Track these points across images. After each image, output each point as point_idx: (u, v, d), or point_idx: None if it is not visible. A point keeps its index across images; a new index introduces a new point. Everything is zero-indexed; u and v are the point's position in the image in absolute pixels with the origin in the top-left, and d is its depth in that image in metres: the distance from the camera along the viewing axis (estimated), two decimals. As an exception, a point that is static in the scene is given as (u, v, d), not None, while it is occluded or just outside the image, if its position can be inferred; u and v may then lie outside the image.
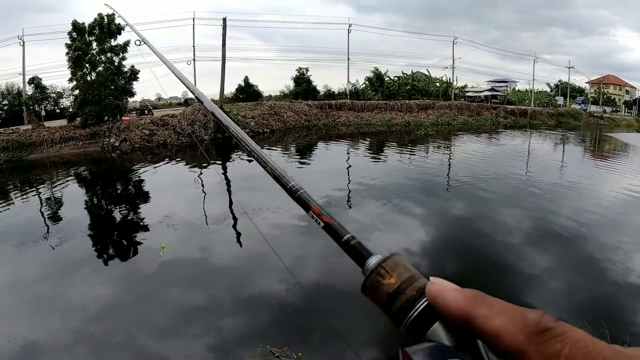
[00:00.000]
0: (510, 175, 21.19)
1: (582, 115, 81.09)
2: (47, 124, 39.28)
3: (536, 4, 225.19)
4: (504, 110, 65.66)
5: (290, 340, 7.34)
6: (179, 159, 28.18)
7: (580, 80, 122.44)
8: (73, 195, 19.59)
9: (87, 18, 36.55)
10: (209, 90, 57.68)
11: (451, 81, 74.73)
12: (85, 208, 17.49)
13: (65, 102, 46.16)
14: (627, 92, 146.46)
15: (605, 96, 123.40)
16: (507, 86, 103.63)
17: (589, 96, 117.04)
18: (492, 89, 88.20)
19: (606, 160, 29.89)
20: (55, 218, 16.05)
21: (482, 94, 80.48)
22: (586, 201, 16.91)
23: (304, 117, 48.00)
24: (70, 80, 37.01)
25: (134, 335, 7.71)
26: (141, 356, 7.18)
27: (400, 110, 56.95)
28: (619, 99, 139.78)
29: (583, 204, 16.38)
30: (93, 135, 34.58)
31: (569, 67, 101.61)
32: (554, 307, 8.52)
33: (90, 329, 7.83)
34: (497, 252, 11.35)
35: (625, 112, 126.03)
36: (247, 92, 57.66)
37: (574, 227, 13.36)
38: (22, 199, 19.72)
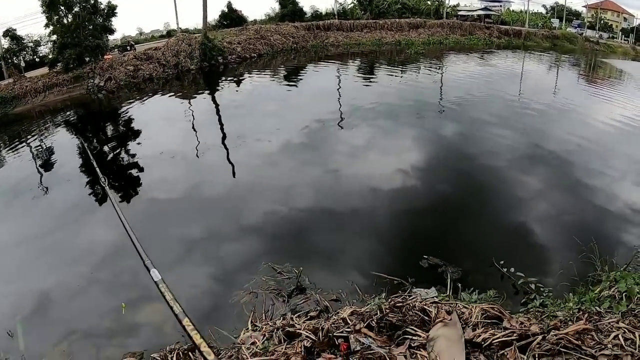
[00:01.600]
0: (502, 97, 21.01)
1: (578, 39, 79.46)
2: (28, 74, 38.27)
3: None
4: (497, 30, 64.26)
5: (291, 257, 7.72)
6: (166, 92, 27.50)
7: (577, 4, 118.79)
8: (64, 142, 19.11)
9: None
10: (193, 20, 56.05)
11: (443, -1, 73.05)
12: (78, 153, 17.01)
13: (44, 49, 44.72)
14: (625, 19, 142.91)
15: (602, 22, 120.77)
16: (501, 6, 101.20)
17: (585, 20, 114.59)
18: (485, 8, 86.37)
19: (599, 87, 28.91)
20: (51, 166, 15.78)
21: (475, 13, 79.03)
22: (577, 127, 16.64)
23: (291, 40, 46.78)
24: (47, 25, 35.56)
25: (140, 270, 7.54)
26: (148, 287, 6.98)
27: (391, 29, 55.80)
28: (617, 26, 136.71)
29: (573, 129, 16.14)
30: (77, 78, 33.62)
31: None
32: (543, 224, 8.84)
33: (97, 273, 8.11)
34: (487, 173, 11.49)
35: (622, 40, 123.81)
36: (231, 17, 56.01)
37: (564, 151, 13.29)
38: (14, 153, 19.00)
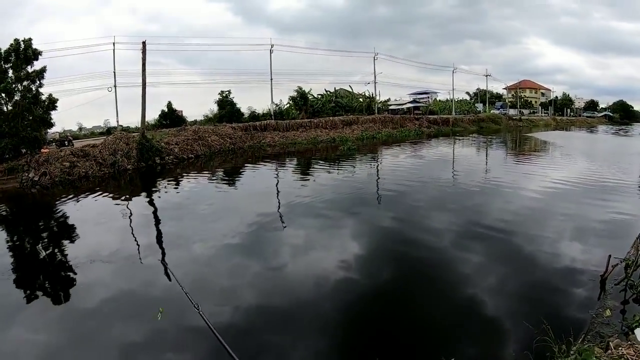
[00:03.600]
0: (436, 182, 22.60)
1: (502, 119, 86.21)
2: (-38, 159, 37.76)
3: (451, 19, 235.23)
4: (426, 121, 68.66)
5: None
6: (102, 191, 27.82)
7: (497, 87, 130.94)
8: None
9: (5, 45, 35.32)
10: (132, 118, 56.99)
11: (374, 96, 77.32)
12: (7, 249, 16.79)
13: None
14: (543, 94, 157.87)
15: (522, 100, 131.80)
16: (428, 97, 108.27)
17: (507, 101, 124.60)
18: (414, 101, 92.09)
19: (526, 160, 32.11)
20: None
21: (404, 107, 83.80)
22: (510, 200, 18.47)
23: (229, 141, 48.49)
24: (-16, 111, 35.54)
25: None
26: None
27: (325, 128, 58.54)
28: (536, 102, 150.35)
29: (507, 203, 17.91)
30: (11, 170, 33.51)
31: (487, 75, 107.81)
32: (491, 306, 9.11)
33: None
34: (431, 254, 12.13)
35: (542, 113, 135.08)
36: (171, 117, 57.41)
37: (501, 225, 14.55)
38: None
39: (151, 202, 23.80)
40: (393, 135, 58.47)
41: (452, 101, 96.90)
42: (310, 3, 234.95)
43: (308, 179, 27.14)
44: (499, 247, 12.58)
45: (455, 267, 11.11)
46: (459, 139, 51.82)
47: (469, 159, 33.60)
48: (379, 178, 25.53)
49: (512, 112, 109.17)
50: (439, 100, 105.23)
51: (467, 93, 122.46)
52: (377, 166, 31.30)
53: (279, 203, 20.31)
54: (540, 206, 17.29)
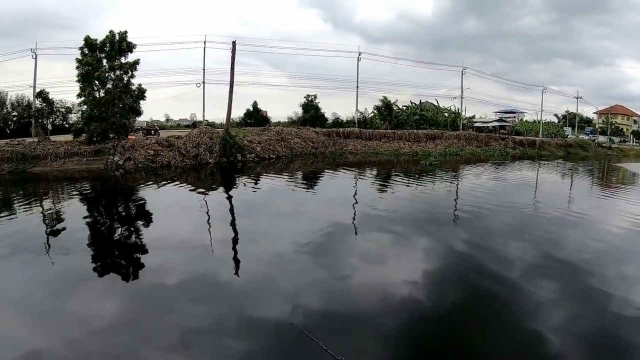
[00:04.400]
0: (516, 207, 20.78)
1: (591, 145, 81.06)
2: (53, 137, 39.42)
3: (542, 36, 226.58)
4: (512, 141, 65.50)
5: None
6: (182, 181, 27.83)
7: (587, 111, 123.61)
8: (74, 212, 19.14)
9: (102, 37, 36.54)
10: (218, 114, 57.82)
11: (460, 111, 75.09)
12: (87, 224, 17.06)
13: (74, 117, 46.18)
14: (635, 122, 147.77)
15: (613, 126, 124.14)
16: (515, 117, 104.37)
17: (597, 126, 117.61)
18: (500, 120, 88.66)
19: (614, 192, 29.43)
20: (57, 233, 15.75)
21: (490, 125, 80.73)
22: (593, 232, 16.54)
23: (310, 144, 47.74)
24: (79, 95, 36.99)
25: (137, 351, 7.68)
26: None
27: (408, 140, 56.83)
28: (627, 129, 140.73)
29: (590, 235, 16.03)
30: (97, 152, 34.55)
31: (577, 98, 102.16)
32: (558, 340, 8.23)
33: (93, 344, 7.76)
34: (501, 283, 11.00)
35: (633, 142, 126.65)
36: (255, 117, 57.98)
37: (579, 259, 12.99)
38: (25, 211, 19.19)
39: (228, 197, 23.40)
40: (477, 154, 55.83)
41: (539, 123, 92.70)
42: (399, 14, 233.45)
43: (386, 191, 25.81)
44: (573, 285, 11.09)
45: (523, 300, 10.01)
46: (545, 164, 48.77)
47: (553, 186, 31.14)
48: (457, 197, 23.87)
49: (601, 138, 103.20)
50: (526, 121, 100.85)
51: (555, 115, 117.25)
52: (458, 185, 29.50)
53: (354, 212, 19.25)
54: (623, 245, 15.18)
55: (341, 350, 7.37)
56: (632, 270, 12.44)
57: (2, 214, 18.42)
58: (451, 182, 30.67)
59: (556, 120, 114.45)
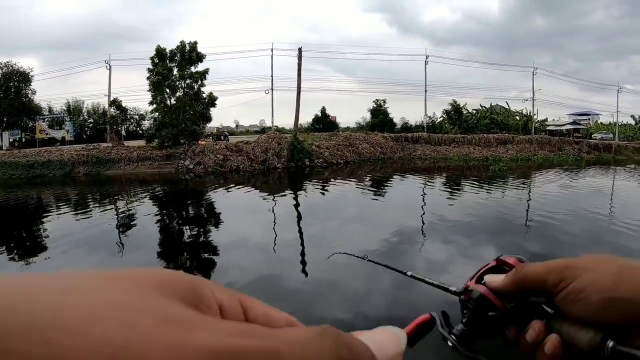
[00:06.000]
0: (591, 215, 19.43)
1: None
2: (127, 143, 40.61)
3: (614, 32, 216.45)
4: (586, 145, 62.34)
5: None
6: (250, 185, 27.83)
7: None
8: (146, 212, 19.48)
9: (172, 47, 37.52)
10: (287, 120, 58.21)
11: (531, 114, 71.97)
12: (158, 225, 17.48)
13: (147, 123, 47.59)
14: None
15: None
16: (589, 119, 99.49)
17: None
18: (574, 122, 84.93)
19: None
20: (129, 234, 16.14)
21: (563, 128, 77.46)
22: None
23: (379, 150, 46.92)
24: (151, 103, 38.09)
25: None
26: None
27: (479, 145, 54.88)
28: None
29: None
30: (169, 157, 35.25)
31: None
32: None
33: None
34: None
35: None
36: (324, 122, 57.93)
37: None
38: (100, 211, 19.85)
39: (296, 201, 23.08)
40: (549, 159, 53.01)
41: (615, 125, 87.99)
42: (465, 15, 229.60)
43: (456, 198, 24.86)
44: None
45: None
46: (622, 169, 46.13)
47: (631, 194, 29.28)
48: (529, 206, 22.72)
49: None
50: (601, 123, 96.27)
51: (632, 117, 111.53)
52: (529, 192, 28.16)
53: (423, 218, 18.55)
54: None
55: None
56: None
57: (78, 213, 18.87)
58: (523, 189, 29.36)
59: (633, 122, 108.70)
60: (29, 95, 46.30)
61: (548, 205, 21.08)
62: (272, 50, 56.57)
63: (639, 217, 19.06)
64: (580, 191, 27.38)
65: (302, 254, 13.19)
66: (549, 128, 78.05)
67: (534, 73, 69.84)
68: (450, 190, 27.70)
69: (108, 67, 51.52)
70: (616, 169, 45.08)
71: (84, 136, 48.27)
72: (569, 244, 14.62)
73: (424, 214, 19.18)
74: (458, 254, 13.18)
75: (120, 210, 20.06)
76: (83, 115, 52.56)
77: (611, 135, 69.43)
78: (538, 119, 75.50)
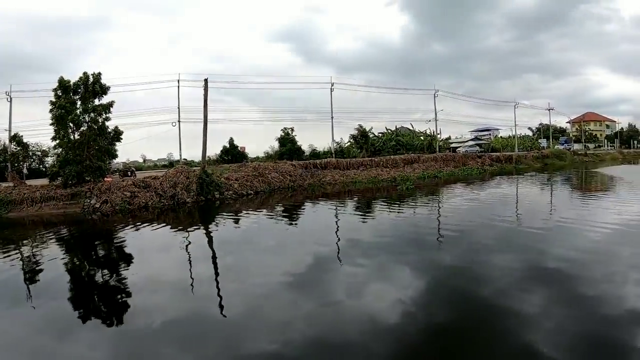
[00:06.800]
0: (499, 222, 21.12)
1: (567, 154, 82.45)
2: (30, 182, 39.34)
3: (508, 53, 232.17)
4: (489, 158, 66.42)
5: None
6: (160, 222, 27.79)
7: (560, 121, 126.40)
8: (53, 257, 18.97)
9: (76, 78, 36.70)
10: (195, 152, 58.01)
11: (435, 134, 76.03)
12: (66, 270, 17.16)
13: (50, 160, 46.07)
14: (608, 126, 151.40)
15: (587, 133, 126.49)
16: (490, 134, 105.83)
17: (571, 135, 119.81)
18: (475, 138, 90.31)
19: (593, 198, 30.12)
20: (36, 279, 15.78)
21: (466, 144, 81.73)
22: (575, 241, 16.75)
23: (288, 178, 47.88)
24: (54, 138, 36.90)
25: None
26: None
27: (386, 166, 57.26)
28: (601, 134, 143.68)
29: (573, 244, 16.22)
30: (74, 195, 34.42)
31: (549, 109, 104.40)
32: (551, 347, 8.32)
33: None
34: (490, 297, 11.16)
35: (608, 147, 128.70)
36: (232, 153, 58.32)
37: (565, 265, 13.27)
38: (3, 257, 19.16)
39: (208, 235, 23.43)
40: (455, 174, 56.17)
41: (514, 137, 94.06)
42: (368, 43, 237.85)
43: (367, 218, 25.98)
44: (561, 292, 11.20)
45: (514, 311, 10.09)
46: (523, 177, 49.45)
47: (533, 198, 31.64)
48: (440, 217, 24.16)
49: (576, 146, 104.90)
50: (501, 137, 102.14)
51: (530, 129, 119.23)
52: (439, 206, 29.83)
53: (338, 241, 19.44)
54: (608, 248, 15.55)
55: None
56: (619, 273, 12.60)
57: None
58: (431, 204, 31.06)
59: (531, 134, 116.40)
60: None
61: (457, 217, 22.82)
62: (178, 81, 56.57)
63: (543, 217, 21.03)
64: (486, 201, 29.74)
65: (218, 289, 13.53)
66: (452, 145, 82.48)
67: (436, 95, 74.12)
68: (361, 212, 29.08)
69: (9, 99, 49.64)
70: (518, 177, 48.51)
71: (-18, 175, 45.97)
72: (481, 252, 15.93)
73: (338, 238, 20.25)
74: (374, 276, 14.02)
75: (25, 256, 19.67)
76: (-20, 152, 50.04)
77: (477, 148, 74.19)
78: (442, 137, 79.93)
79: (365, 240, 18.82)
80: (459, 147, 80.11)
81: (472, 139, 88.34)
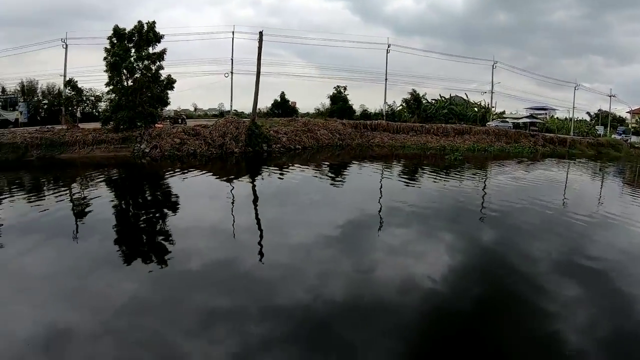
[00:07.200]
0: (544, 206, 20.00)
1: (623, 146, 78.34)
2: (82, 125, 39.75)
3: (574, 31, 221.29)
4: (542, 138, 63.78)
5: (311, 351, 7.44)
6: (207, 170, 27.80)
7: (620, 110, 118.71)
8: (101, 197, 19.27)
9: (131, 26, 36.75)
10: (245, 104, 57.84)
11: (489, 106, 73.34)
12: (113, 210, 17.42)
13: (103, 105, 46.67)
14: None
15: None
16: (546, 114, 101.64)
17: (630, 126, 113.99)
18: (531, 116, 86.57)
19: None
20: (84, 217, 16.10)
21: (520, 121, 78.93)
22: (621, 238, 15.65)
23: (337, 136, 47.21)
24: (107, 84, 37.24)
25: (157, 332, 7.88)
26: (163, 352, 7.32)
27: (437, 134, 55.47)
28: None
29: (617, 241, 15.17)
30: (124, 140, 34.85)
31: (610, 96, 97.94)
32: (577, 343, 7.97)
33: (118, 324, 8.01)
34: (520, 284, 10.62)
35: None
36: (283, 107, 57.67)
37: (604, 262, 12.42)
38: (55, 195, 19.48)
39: (253, 186, 23.30)
40: (505, 150, 53.90)
41: (571, 120, 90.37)
42: (429, 5, 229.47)
43: (412, 186, 25.27)
44: (596, 286, 10.68)
45: (545, 299, 9.67)
46: (574, 163, 47.22)
47: (582, 186, 29.81)
48: (484, 194, 23.35)
49: (634, 139, 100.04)
50: (557, 118, 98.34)
51: (588, 113, 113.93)
52: (485, 182, 28.76)
53: (380, 205, 18.93)
54: None
55: (357, 340, 7.78)
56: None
57: (31, 199, 18.62)
58: (478, 179, 30.02)
59: (588, 119, 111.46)
60: (-20, 76, 45.02)
61: (502, 196, 21.78)
62: (233, 33, 56.18)
63: (589, 208, 19.86)
64: (534, 183, 28.24)
65: (259, 238, 13.48)
66: (506, 120, 79.53)
67: (494, 66, 70.87)
68: (406, 178, 28.30)
69: (64, 46, 50.38)
70: (569, 162, 46.36)
71: (38, 117, 46.67)
72: (520, 235, 15.17)
73: (380, 202, 19.67)
74: (411, 245, 13.61)
75: (75, 195, 19.94)
76: (37, 96, 50.88)
77: (509, 124, 70.72)
78: (496, 111, 76.95)
79: (406, 208, 18.22)
80: (514, 122, 77.13)
81: (527, 116, 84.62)
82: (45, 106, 49.81)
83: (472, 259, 12.44)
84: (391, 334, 8.02)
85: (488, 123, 68.87)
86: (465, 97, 75.18)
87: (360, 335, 7.93)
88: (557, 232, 15.71)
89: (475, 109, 73.69)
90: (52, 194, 19.91)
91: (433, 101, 71.06)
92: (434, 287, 10.10)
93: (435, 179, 28.29)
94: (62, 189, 21.28)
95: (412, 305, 9.21)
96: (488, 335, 8.31)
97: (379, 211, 17.84)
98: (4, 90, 49.41)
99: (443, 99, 72.42)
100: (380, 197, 20.86)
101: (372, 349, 7.51)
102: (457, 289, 10.16)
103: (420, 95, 65.67)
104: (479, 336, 8.27)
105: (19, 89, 49.56)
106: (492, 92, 71.55)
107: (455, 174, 30.47)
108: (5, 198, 18.67)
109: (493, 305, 9.57)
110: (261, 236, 13.77)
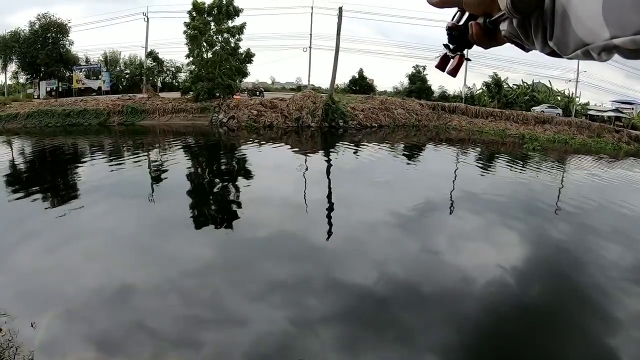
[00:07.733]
0: (621, 208, 18.60)
1: None
2: (162, 94, 40.67)
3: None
4: (627, 135, 59.78)
5: (366, 329, 7.33)
6: (283, 142, 27.71)
7: None
8: (178, 162, 19.75)
9: (210, 1, 37.11)
10: (323, 79, 57.46)
11: (573, 96, 69.66)
12: (187, 175, 17.74)
13: (183, 76, 47.69)
14: None
15: None
16: (633, 109, 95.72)
17: None
18: (617, 110, 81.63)
19: None
20: (160, 181, 16.54)
21: (605, 114, 74.76)
22: None
23: (414, 116, 45.86)
24: (187, 56, 38.18)
25: (220, 293, 8.10)
26: (223, 312, 7.52)
27: (516, 121, 53.15)
28: None
29: None
30: (203, 109, 35.36)
31: None
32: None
33: (183, 283, 8.25)
34: (587, 288, 9.86)
35: None
36: (361, 84, 56.82)
37: None
38: (134, 160, 20.17)
39: (327, 161, 22.95)
40: (587, 144, 50.89)
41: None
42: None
43: (487, 173, 24.14)
44: None
45: (614, 307, 8.92)
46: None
47: None
48: (561, 188, 21.94)
49: None
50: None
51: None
52: (562, 175, 27.09)
53: (452, 189, 18.11)
54: None
55: (413, 323, 7.65)
56: None
57: (112, 162, 19.09)
58: (556, 172, 28.41)
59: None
60: (67, 46, 46.66)
61: (578, 192, 20.31)
62: (312, 8, 55.84)
63: None
64: (613, 182, 26.30)
65: (328, 214, 13.35)
66: (590, 112, 75.17)
67: (581, 53, 67.05)
68: (482, 165, 27.06)
69: (146, 19, 51.68)
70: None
71: (120, 87, 48.44)
72: (594, 236, 14.06)
73: (453, 187, 18.88)
74: (479, 234, 13.04)
75: (153, 160, 20.35)
76: (120, 66, 52.69)
77: (557, 110, 65.98)
78: (580, 101, 72.93)
79: (479, 195, 17.45)
80: (597, 115, 72.69)
81: (612, 110, 79.89)
82: (127, 76, 51.41)
83: (542, 254, 11.75)
84: (448, 322, 7.81)
85: (533, 108, 65.19)
86: (548, 84, 71.74)
87: (417, 319, 7.79)
88: (633, 238, 14.54)
89: (558, 97, 69.91)
90: (132, 158, 20.41)
91: (514, 86, 68.26)
92: (500, 280, 9.65)
93: (512, 168, 26.92)
94: (142, 154, 21.68)
95: (474, 295, 8.85)
96: (547, 338, 7.72)
97: (451, 195, 17.17)
98: (88, 60, 51.29)
99: (525, 84, 69.43)
100: (454, 181, 20.06)
101: (426, 334, 7.37)
102: (523, 285, 9.65)
103: (502, 79, 63.37)
104: (537, 337, 7.73)
105: (102, 59, 51.31)
106: (577, 81, 67.61)
107: (533, 165, 28.98)
108: (88, 160, 19.21)
109: (558, 306, 8.92)
110: (331, 211, 13.64)
